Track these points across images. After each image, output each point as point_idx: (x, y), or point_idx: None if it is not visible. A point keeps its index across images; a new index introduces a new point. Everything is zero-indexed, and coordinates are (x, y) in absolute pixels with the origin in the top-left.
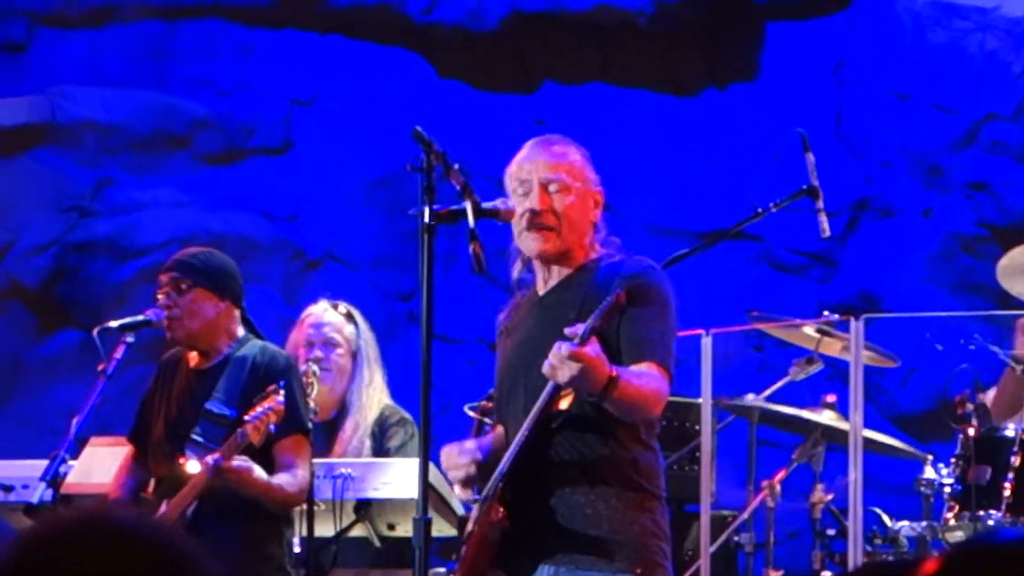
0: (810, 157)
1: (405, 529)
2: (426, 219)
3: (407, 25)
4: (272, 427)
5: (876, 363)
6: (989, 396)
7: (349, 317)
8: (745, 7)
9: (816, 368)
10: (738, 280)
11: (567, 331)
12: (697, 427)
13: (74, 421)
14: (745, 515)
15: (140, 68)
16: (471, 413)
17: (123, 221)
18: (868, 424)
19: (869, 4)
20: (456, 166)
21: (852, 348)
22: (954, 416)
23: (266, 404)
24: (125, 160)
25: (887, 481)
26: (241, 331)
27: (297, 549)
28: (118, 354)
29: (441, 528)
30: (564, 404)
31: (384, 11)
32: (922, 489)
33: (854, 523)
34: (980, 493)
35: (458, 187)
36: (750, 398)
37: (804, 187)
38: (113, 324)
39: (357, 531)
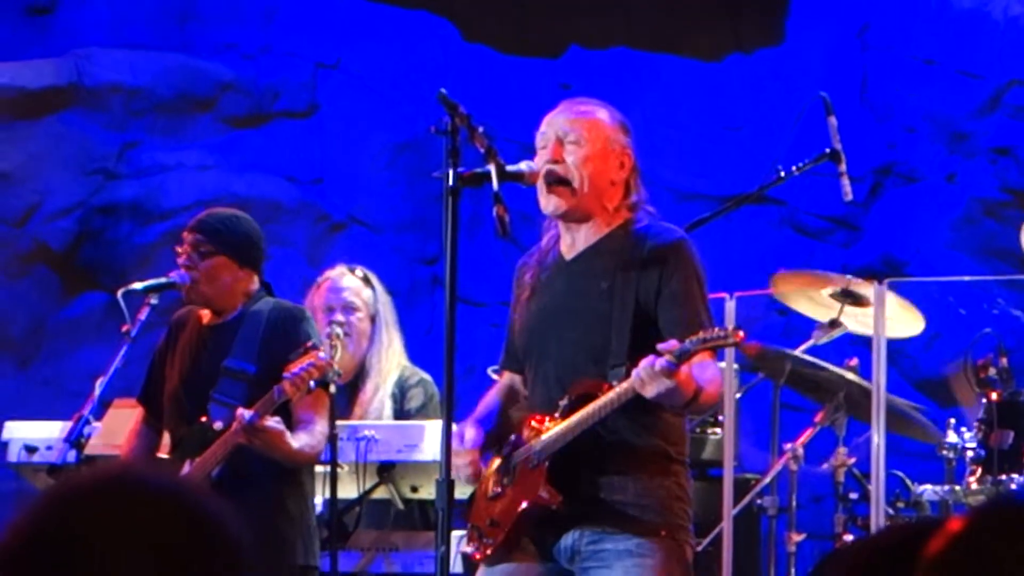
0: (832, 121)
1: (428, 491)
2: (450, 182)
3: None
4: (313, 383)
5: (903, 324)
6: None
7: (366, 281)
8: None
9: (840, 332)
10: (761, 244)
11: (661, 347)
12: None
13: (98, 383)
14: (768, 479)
15: (165, 31)
16: (494, 375)
17: (148, 184)
18: (891, 389)
19: None
20: (480, 129)
21: (875, 313)
22: (977, 380)
23: (307, 360)
24: (150, 123)
25: (910, 445)
26: (255, 289)
27: (319, 510)
28: (142, 316)
29: (464, 490)
30: None
31: None
32: (945, 453)
33: (876, 487)
34: (1002, 457)
35: (482, 150)
36: None
37: (827, 151)
38: (138, 286)
39: (380, 493)
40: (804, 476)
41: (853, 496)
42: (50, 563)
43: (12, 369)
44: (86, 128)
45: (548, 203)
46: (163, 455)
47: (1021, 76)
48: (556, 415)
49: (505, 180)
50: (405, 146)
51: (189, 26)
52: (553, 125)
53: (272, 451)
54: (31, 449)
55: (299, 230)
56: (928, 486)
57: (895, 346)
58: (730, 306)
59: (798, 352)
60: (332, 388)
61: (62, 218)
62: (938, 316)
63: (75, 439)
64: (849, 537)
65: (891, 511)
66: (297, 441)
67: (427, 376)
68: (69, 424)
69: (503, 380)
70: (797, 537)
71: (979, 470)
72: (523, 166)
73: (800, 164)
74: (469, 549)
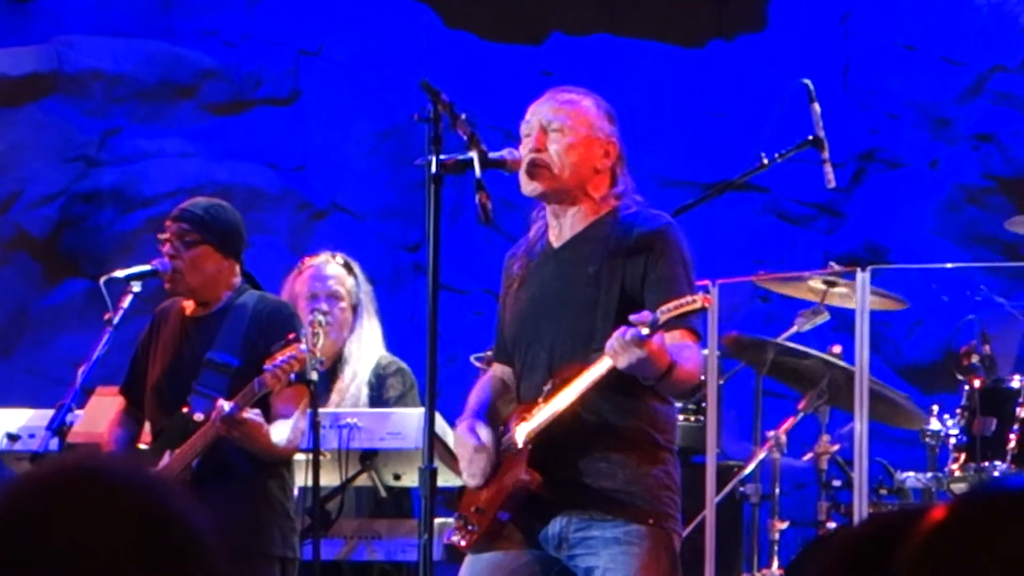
0: (815, 108)
1: (411, 479)
2: (433, 169)
3: None
4: (294, 376)
5: (884, 308)
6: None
7: (348, 268)
8: None
9: (822, 319)
10: (744, 231)
11: (633, 318)
12: (703, 377)
13: (80, 371)
14: (751, 466)
15: (147, 18)
16: (477, 363)
17: (130, 171)
18: (874, 375)
19: None
20: (463, 116)
21: (858, 300)
22: (960, 367)
23: (288, 352)
24: (132, 110)
25: (893, 432)
26: (238, 281)
27: (299, 496)
28: (125, 304)
29: (447, 478)
30: None
31: None
32: (927, 440)
33: (860, 474)
34: (985, 444)
35: (465, 137)
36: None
37: (809, 137)
38: (120, 274)
39: (363, 481)
40: (787, 463)
41: (836, 483)
42: (3, 555)
43: None
44: (67, 115)
45: (527, 185)
46: (144, 445)
47: (1004, 62)
48: (540, 400)
49: (488, 167)
50: (388, 133)
51: (171, 13)
52: (537, 113)
53: (250, 444)
54: (13, 437)
55: (281, 217)
56: (911, 473)
57: (878, 333)
58: (713, 293)
59: (780, 340)
60: (315, 375)
61: (43, 205)
62: (921, 303)
63: (57, 427)
64: (832, 525)
65: (874, 498)
66: (275, 435)
67: (405, 365)
68: (51, 412)
69: (494, 372)
70: (780, 525)
71: (962, 457)
72: (505, 153)
73: (783, 151)
74: (455, 539)
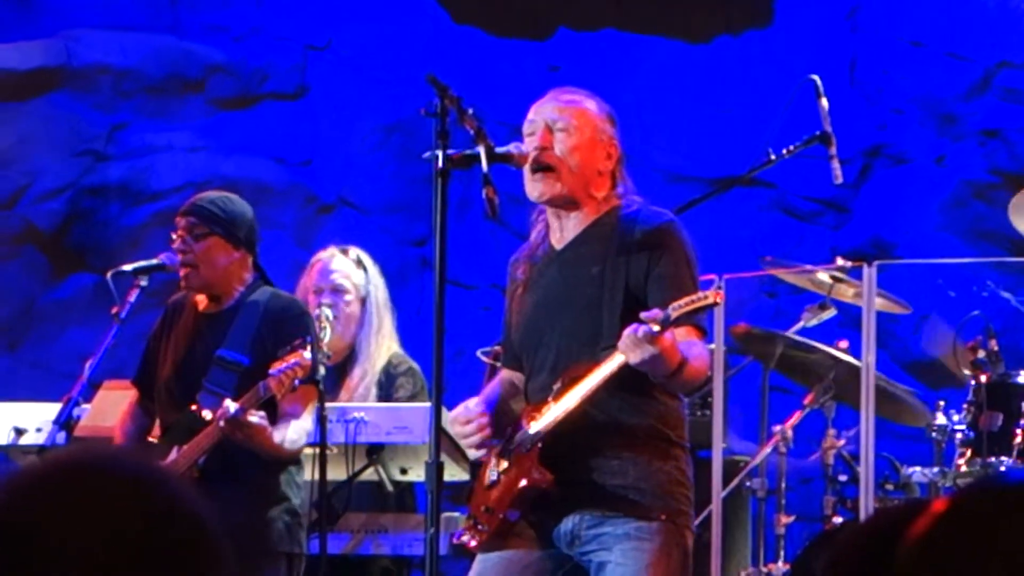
0: (823, 103)
1: (417, 473)
2: (440, 164)
3: None
4: (297, 381)
5: (888, 310)
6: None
7: (359, 263)
8: None
9: (829, 314)
10: (751, 226)
11: (644, 315)
12: (709, 373)
13: (87, 364)
14: (757, 461)
15: (154, 12)
16: (484, 358)
17: (137, 165)
18: (880, 371)
19: None
20: (470, 111)
21: (864, 295)
22: (967, 362)
23: (292, 359)
24: (139, 104)
25: (899, 427)
26: (251, 276)
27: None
28: (132, 298)
29: (453, 472)
30: None
31: None
32: (934, 435)
33: (866, 469)
34: (992, 439)
35: (472, 132)
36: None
37: (817, 133)
38: (127, 268)
39: (369, 475)
40: (793, 458)
41: (842, 478)
42: (6, 548)
43: (1, 351)
44: (75, 109)
45: (534, 189)
46: (153, 439)
47: (1010, 58)
48: (549, 399)
49: (494, 162)
50: (395, 128)
51: (178, 8)
52: (541, 112)
53: (253, 445)
54: (20, 431)
55: (288, 212)
56: (917, 468)
57: (885, 328)
58: (720, 288)
59: (788, 333)
60: (322, 370)
61: (51, 199)
62: (927, 298)
63: (64, 421)
64: (838, 519)
65: (880, 493)
66: (279, 436)
67: (416, 365)
68: (58, 406)
69: (504, 375)
70: (786, 519)
71: (968, 452)
72: (512, 148)
73: (790, 147)
74: (465, 539)
